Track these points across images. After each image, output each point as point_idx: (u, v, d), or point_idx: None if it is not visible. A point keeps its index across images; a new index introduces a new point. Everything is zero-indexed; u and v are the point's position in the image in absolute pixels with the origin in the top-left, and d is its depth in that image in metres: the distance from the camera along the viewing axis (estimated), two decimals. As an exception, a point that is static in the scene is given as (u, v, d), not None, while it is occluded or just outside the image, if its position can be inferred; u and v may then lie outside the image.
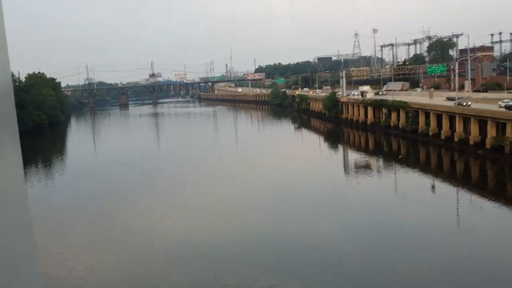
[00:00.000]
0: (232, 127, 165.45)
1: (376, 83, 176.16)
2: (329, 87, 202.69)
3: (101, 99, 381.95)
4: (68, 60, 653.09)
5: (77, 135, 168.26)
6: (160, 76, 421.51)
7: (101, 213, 54.21)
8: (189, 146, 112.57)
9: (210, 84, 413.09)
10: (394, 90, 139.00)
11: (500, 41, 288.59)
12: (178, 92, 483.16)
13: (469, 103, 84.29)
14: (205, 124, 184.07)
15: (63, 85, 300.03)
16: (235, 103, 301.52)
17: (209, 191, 62.84)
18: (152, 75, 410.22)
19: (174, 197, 60.89)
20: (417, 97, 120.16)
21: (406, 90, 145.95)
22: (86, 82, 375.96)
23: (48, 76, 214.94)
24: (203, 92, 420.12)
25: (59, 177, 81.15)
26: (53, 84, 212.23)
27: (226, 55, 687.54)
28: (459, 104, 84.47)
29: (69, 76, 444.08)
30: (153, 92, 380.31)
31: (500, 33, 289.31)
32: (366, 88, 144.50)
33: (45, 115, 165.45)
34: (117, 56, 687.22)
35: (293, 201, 55.60)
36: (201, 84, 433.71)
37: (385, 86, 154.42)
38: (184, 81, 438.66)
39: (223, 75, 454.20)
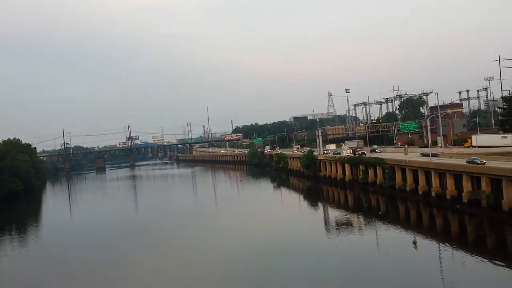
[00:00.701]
0: (211, 188, 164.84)
1: (351, 140, 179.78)
2: (298, 146, 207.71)
3: (77, 163, 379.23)
4: (44, 126, 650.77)
5: (52, 201, 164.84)
6: (137, 139, 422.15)
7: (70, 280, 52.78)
8: (167, 210, 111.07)
9: (187, 145, 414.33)
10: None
11: (468, 98, 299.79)
12: (156, 154, 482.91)
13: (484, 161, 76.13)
14: (184, 186, 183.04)
15: (39, 150, 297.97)
16: (213, 163, 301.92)
17: (188, 258, 61.86)
18: (129, 138, 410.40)
19: (145, 266, 59.68)
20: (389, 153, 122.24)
21: (361, 147, 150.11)
22: (62, 147, 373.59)
23: (23, 142, 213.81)
24: (181, 154, 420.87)
25: (33, 244, 78.97)
26: (28, 150, 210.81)
27: (203, 116, 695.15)
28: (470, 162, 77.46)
29: (45, 141, 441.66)
30: (131, 155, 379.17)
31: (467, 91, 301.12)
32: (332, 146, 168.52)
33: (20, 181, 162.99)
34: (93, 121, 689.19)
35: (274, 263, 55.03)
36: (179, 145, 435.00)
37: (343, 144, 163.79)
38: (162, 143, 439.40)
39: (200, 136, 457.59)
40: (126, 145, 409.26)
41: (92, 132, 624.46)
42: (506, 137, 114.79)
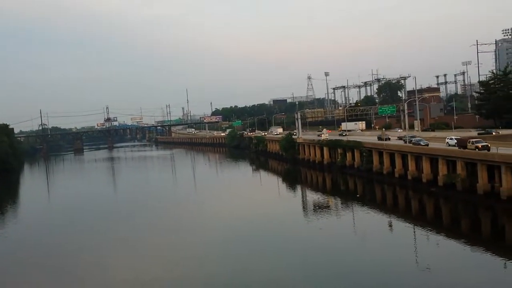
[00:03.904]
0: (190, 170, 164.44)
1: (330, 123, 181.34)
2: (278, 127, 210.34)
3: (55, 144, 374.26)
4: (22, 107, 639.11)
5: (30, 182, 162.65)
6: (116, 120, 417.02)
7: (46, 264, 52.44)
8: (146, 192, 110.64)
9: (167, 127, 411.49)
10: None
11: (446, 82, 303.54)
12: (135, 136, 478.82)
13: (427, 142, 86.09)
14: (163, 167, 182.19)
15: (16, 131, 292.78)
16: (193, 145, 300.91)
17: (167, 240, 61.89)
18: (108, 120, 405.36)
19: (123, 248, 59.54)
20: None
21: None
22: (40, 128, 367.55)
23: (0, 123, 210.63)
24: (160, 136, 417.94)
25: (12, 226, 78.00)
26: (5, 130, 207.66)
27: (183, 98, 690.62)
28: (416, 143, 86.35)
29: (22, 122, 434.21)
30: (109, 137, 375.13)
31: (445, 75, 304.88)
32: (279, 129, 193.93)
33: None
34: (71, 101, 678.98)
35: (253, 244, 55.43)
36: (158, 127, 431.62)
37: (320, 127, 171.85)
38: (141, 125, 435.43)
39: (180, 118, 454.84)
40: (104, 127, 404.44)
41: (70, 113, 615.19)
42: (356, 123, 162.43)
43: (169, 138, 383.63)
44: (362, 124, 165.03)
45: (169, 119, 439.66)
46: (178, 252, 54.32)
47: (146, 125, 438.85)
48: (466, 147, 73.01)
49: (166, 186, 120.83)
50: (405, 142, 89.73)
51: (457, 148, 76.03)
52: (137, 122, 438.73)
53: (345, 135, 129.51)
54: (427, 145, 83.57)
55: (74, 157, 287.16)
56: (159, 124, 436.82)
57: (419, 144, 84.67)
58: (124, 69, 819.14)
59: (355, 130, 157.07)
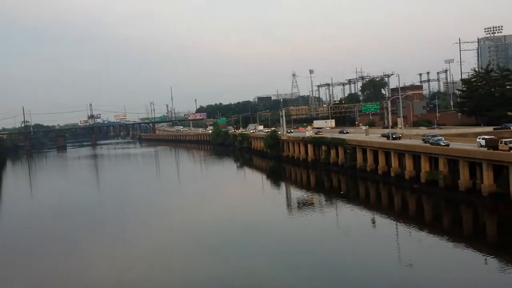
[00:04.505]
0: (174, 168, 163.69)
1: (328, 120, 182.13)
2: (256, 124, 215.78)
3: (38, 141, 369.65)
4: (4, 104, 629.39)
5: (11, 179, 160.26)
6: (99, 118, 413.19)
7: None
8: (127, 191, 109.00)
9: (151, 124, 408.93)
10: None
11: (428, 80, 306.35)
12: (118, 133, 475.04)
13: (447, 142, 76.21)
14: (146, 165, 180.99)
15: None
16: (177, 143, 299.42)
17: (145, 239, 61.52)
18: (91, 117, 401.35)
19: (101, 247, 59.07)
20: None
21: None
22: (23, 125, 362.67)
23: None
24: (144, 133, 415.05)
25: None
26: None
27: (167, 95, 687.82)
28: (434, 144, 76.99)
29: (5, 119, 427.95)
30: (92, 134, 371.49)
31: (428, 73, 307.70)
32: (260, 127, 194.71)
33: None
34: (54, 98, 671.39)
35: (236, 241, 55.37)
36: (141, 124, 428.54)
37: (305, 124, 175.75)
38: (124, 122, 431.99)
39: (164, 115, 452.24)
40: (87, 124, 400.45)
41: (53, 110, 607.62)
42: (326, 121, 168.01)
43: (153, 135, 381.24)
44: (331, 122, 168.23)
45: (153, 116, 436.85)
46: (158, 252, 53.93)
47: (129, 122, 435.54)
48: (497, 147, 63.85)
49: (149, 184, 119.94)
50: (424, 142, 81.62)
51: (482, 148, 67.47)
52: (120, 119, 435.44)
53: (346, 132, 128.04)
54: (448, 145, 74.28)
55: (57, 154, 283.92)
56: (143, 121, 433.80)
57: (439, 144, 75.14)
58: (108, 66, 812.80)
59: (325, 128, 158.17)
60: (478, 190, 64.30)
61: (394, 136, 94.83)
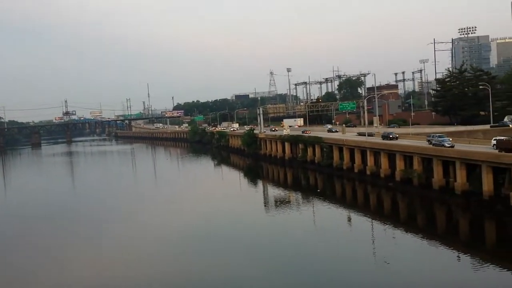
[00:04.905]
0: (151, 165, 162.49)
1: (298, 118, 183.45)
2: (230, 122, 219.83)
3: (12, 138, 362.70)
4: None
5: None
6: (75, 114, 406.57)
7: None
8: (103, 189, 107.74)
9: (127, 121, 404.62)
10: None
11: (404, 80, 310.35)
12: (94, 130, 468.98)
13: (452, 144, 70.80)
14: (123, 163, 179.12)
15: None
16: (153, 140, 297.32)
17: (118, 239, 61.00)
18: (66, 113, 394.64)
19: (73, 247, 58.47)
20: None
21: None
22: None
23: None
24: (120, 130, 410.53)
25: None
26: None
27: (144, 92, 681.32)
28: (437, 144, 71.62)
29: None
30: (67, 131, 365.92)
31: (403, 72, 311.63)
32: (235, 125, 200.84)
33: None
34: (29, 95, 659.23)
35: (212, 240, 55.36)
36: (117, 121, 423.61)
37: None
38: (100, 119, 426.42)
39: (140, 112, 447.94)
40: (62, 120, 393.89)
41: (27, 107, 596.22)
42: (295, 120, 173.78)
43: (129, 133, 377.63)
44: (300, 121, 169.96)
45: (129, 114, 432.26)
46: (129, 251, 53.52)
47: (105, 119, 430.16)
48: (511, 150, 57.68)
49: (124, 182, 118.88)
50: (429, 143, 74.89)
51: (494, 150, 61.18)
52: (96, 116, 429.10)
53: (335, 131, 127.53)
54: (453, 146, 68.84)
55: (32, 151, 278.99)
56: (119, 119, 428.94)
57: (443, 145, 69.80)
58: (83, 63, 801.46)
59: (293, 126, 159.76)
60: (452, 188, 65.49)
61: (391, 136, 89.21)
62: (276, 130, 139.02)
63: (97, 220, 70.69)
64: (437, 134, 78.87)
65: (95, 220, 70.46)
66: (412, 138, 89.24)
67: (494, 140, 65.17)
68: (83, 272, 46.53)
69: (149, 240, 57.09)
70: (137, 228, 64.38)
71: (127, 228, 64.38)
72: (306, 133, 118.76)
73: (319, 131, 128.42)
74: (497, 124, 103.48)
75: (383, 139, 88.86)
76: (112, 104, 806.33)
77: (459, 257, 45.72)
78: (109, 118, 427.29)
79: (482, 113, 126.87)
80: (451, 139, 72.83)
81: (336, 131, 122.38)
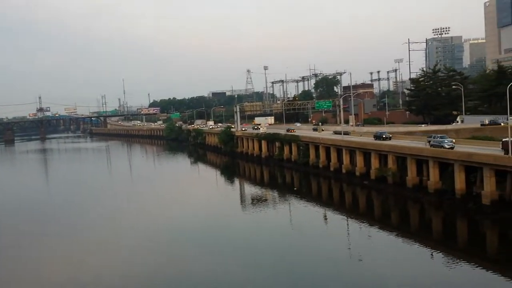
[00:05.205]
0: (126, 163, 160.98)
1: (268, 116, 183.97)
2: (203, 120, 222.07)
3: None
4: None
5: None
6: (49, 111, 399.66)
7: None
8: (75, 186, 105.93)
9: (102, 118, 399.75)
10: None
11: (379, 79, 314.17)
12: (68, 127, 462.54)
13: (452, 144, 66.92)
14: (98, 160, 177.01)
15: None
16: (129, 137, 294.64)
17: (89, 240, 60.48)
18: (40, 110, 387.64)
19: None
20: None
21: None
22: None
23: None
24: (95, 127, 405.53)
25: None
26: None
27: (119, 89, 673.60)
28: (435, 146, 67.60)
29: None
30: (41, 127, 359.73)
31: (378, 72, 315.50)
32: (210, 122, 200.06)
33: None
34: (2, 91, 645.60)
35: (188, 238, 55.32)
36: (92, 118, 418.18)
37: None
38: (75, 115, 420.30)
39: (116, 109, 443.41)
40: (36, 117, 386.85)
41: (1, 103, 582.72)
42: (266, 118, 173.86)
43: (105, 130, 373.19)
44: (271, 119, 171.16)
45: (104, 110, 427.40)
46: (102, 252, 53.22)
47: (80, 116, 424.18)
48: None
49: (98, 180, 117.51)
50: (429, 144, 70.38)
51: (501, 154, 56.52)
52: (71, 112, 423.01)
53: (322, 130, 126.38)
54: (453, 148, 65.09)
55: (5, 148, 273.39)
56: (94, 116, 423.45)
57: (442, 147, 65.96)
58: (58, 59, 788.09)
59: (264, 124, 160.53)
60: (425, 187, 66.71)
61: (384, 136, 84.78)
62: (259, 128, 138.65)
63: (64, 220, 69.46)
64: (439, 135, 72.97)
65: (62, 220, 69.20)
66: (404, 138, 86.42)
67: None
68: (36, 274, 45.99)
69: (122, 239, 56.66)
70: (109, 228, 63.83)
71: (98, 229, 63.75)
72: (291, 131, 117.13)
73: (305, 130, 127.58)
74: (487, 123, 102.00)
75: (376, 139, 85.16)
76: (88, 101, 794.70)
77: (432, 255, 46.66)
78: (82, 115, 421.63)
79: (454, 112, 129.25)
80: (453, 140, 68.95)
81: (322, 130, 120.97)
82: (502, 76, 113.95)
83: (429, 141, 71.93)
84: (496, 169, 55.17)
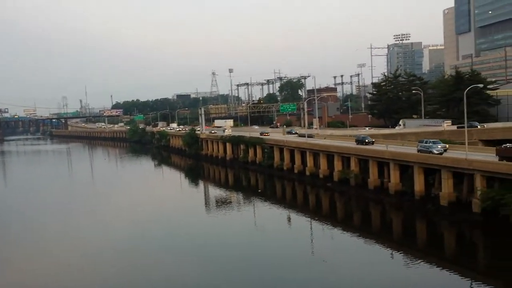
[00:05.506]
0: (88, 166, 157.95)
1: (233, 120, 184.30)
2: (164, 122, 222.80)
3: None
4: None
5: None
6: (7, 112, 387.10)
7: None
8: (34, 190, 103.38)
9: (63, 120, 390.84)
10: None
11: (342, 83, 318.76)
12: (28, 129, 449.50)
13: (441, 150, 63.33)
14: (58, 163, 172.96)
15: None
16: (91, 140, 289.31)
17: (46, 245, 59.35)
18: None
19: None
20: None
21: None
22: None
23: None
24: (56, 129, 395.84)
25: None
26: None
27: (81, 90, 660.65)
28: (423, 151, 63.83)
29: None
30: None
31: (341, 76, 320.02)
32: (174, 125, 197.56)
33: None
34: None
35: (151, 241, 54.94)
36: (53, 120, 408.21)
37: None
38: (34, 117, 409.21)
39: (77, 111, 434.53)
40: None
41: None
42: (226, 121, 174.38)
43: (66, 132, 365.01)
44: (230, 122, 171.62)
45: (65, 112, 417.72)
46: (62, 255, 52.34)
47: (40, 118, 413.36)
48: None
49: (57, 183, 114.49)
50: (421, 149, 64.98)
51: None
52: (30, 114, 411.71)
53: (294, 133, 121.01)
54: (441, 153, 62.05)
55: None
56: (55, 117, 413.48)
57: (430, 152, 62.30)
58: (16, 59, 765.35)
59: (223, 127, 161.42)
60: (386, 188, 68.37)
61: (367, 140, 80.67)
62: (215, 132, 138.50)
63: (13, 225, 67.64)
64: (432, 140, 67.31)
65: (9, 226, 67.44)
66: (388, 142, 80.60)
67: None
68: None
69: (82, 244, 55.75)
70: (69, 233, 62.68)
71: (50, 235, 62.49)
72: (265, 135, 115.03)
73: (278, 133, 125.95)
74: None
75: (358, 144, 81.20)
76: (48, 102, 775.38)
77: (393, 255, 47.85)
78: (42, 116, 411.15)
79: (414, 116, 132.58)
80: (447, 146, 65.48)
81: (296, 133, 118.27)
82: (459, 82, 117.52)
83: (419, 148, 65.56)
84: (453, 171, 57.11)
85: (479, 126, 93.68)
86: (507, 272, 41.11)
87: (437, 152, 61.89)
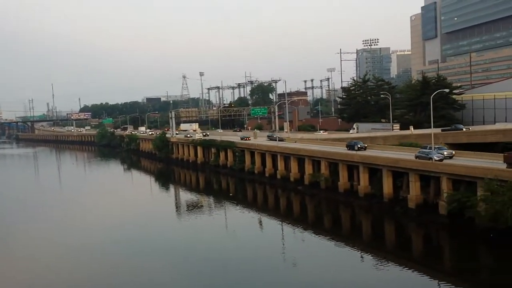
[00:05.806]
0: (55, 171, 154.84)
1: (204, 123, 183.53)
2: (129, 125, 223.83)
3: None
4: None
5: None
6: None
7: None
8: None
9: (29, 123, 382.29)
10: None
11: (312, 87, 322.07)
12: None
13: (441, 156, 61.09)
14: (24, 167, 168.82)
15: None
16: (59, 143, 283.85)
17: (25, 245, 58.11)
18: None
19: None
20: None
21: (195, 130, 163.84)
22: None
23: None
24: (22, 133, 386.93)
25: None
26: None
27: (48, 93, 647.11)
28: (421, 157, 61.23)
29: None
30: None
31: (312, 80, 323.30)
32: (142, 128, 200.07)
33: None
34: None
35: (121, 246, 54.31)
36: (19, 123, 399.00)
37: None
38: (0, 120, 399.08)
39: (44, 114, 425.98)
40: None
41: None
42: (191, 125, 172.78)
43: (32, 135, 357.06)
44: (195, 125, 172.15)
45: (32, 115, 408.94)
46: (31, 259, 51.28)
47: (5, 121, 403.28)
48: None
49: (22, 188, 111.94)
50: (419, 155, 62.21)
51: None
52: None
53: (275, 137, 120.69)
54: (442, 160, 59.43)
55: None
56: (21, 120, 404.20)
57: (430, 159, 59.20)
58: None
59: (188, 131, 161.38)
60: (356, 191, 69.37)
61: (359, 146, 77.52)
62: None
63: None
64: (437, 146, 66.22)
65: None
66: (383, 148, 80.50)
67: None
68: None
69: (41, 252, 54.72)
70: (35, 239, 61.44)
71: (22, 239, 61.22)
72: (247, 140, 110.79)
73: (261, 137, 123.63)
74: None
75: (349, 149, 77.78)
76: (13, 105, 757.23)
77: (362, 257, 48.53)
78: (7, 119, 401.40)
79: (383, 120, 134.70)
80: (453, 152, 64.36)
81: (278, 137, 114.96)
82: (426, 87, 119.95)
83: (417, 155, 62.54)
84: (420, 174, 58.37)
85: (464, 129, 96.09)
86: (472, 272, 42.30)
87: (437, 159, 59.18)
